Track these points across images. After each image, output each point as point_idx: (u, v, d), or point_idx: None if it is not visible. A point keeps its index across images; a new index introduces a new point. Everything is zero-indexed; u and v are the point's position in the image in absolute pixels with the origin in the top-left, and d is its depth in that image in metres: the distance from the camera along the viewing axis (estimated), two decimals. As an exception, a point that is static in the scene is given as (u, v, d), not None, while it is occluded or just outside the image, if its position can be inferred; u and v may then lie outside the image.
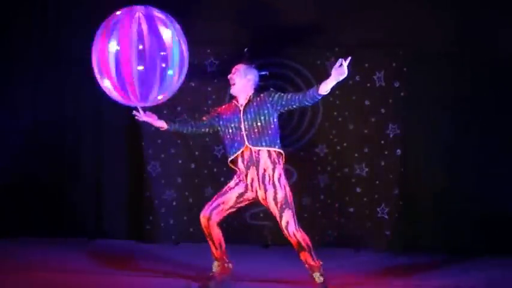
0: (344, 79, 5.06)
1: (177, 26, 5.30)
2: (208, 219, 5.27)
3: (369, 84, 6.90)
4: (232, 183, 5.35)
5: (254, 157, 5.23)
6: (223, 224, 6.89)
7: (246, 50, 5.50)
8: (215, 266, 5.41)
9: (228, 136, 5.34)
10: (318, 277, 5.22)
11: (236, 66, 5.42)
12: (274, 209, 5.22)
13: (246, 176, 5.27)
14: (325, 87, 5.09)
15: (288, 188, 5.26)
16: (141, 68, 4.96)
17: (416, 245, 6.87)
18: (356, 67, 6.88)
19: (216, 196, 5.36)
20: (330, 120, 6.99)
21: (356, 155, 6.95)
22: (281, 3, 7.00)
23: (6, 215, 7.11)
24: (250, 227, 6.91)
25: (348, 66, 5.00)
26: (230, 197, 5.31)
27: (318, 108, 6.97)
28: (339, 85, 6.86)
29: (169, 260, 6.18)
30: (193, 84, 7.02)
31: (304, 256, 5.24)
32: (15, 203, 7.17)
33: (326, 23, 6.94)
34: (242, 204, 5.38)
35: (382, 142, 6.89)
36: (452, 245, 6.81)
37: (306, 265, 5.26)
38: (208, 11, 7.01)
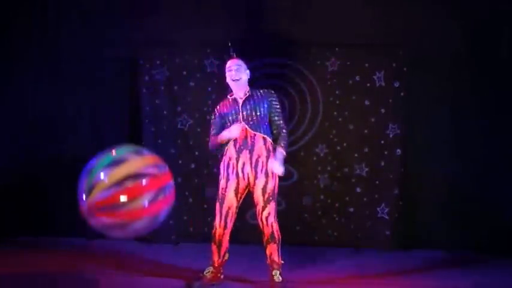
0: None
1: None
2: (225, 227, 5.31)
3: (368, 84, 6.91)
4: (223, 183, 5.33)
5: (249, 140, 5.26)
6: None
7: (230, 45, 5.51)
8: (208, 272, 5.37)
9: (226, 127, 5.37)
10: (277, 276, 5.21)
11: (236, 62, 5.41)
12: (259, 198, 5.24)
13: (238, 160, 5.29)
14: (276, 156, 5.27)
15: (277, 180, 5.29)
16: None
17: (416, 245, 6.87)
18: (356, 67, 6.92)
19: (218, 205, 5.31)
20: (330, 120, 6.99)
21: (356, 155, 6.95)
22: (281, 3, 7.00)
23: (6, 215, 7.11)
24: (250, 227, 6.91)
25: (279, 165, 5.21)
26: (230, 198, 5.30)
27: (318, 108, 6.98)
28: (339, 85, 6.98)
29: (169, 260, 6.18)
30: (193, 84, 7.02)
31: (271, 250, 5.24)
32: (15, 203, 7.17)
33: (326, 22, 6.94)
34: (241, 199, 5.39)
35: (382, 142, 6.90)
36: (452, 244, 6.82)
37: (268, 260, 5.25)
38: (208, 10, 7.01)
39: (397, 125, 6.88)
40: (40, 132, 7.21)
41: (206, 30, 6.97)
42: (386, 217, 6.89)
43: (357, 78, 6.92)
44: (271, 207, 5.23)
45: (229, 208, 5.30)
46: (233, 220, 5.34)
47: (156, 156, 4.58)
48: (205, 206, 6.89)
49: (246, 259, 5.96)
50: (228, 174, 5.33)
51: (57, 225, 7.19)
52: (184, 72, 7.05)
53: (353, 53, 6.95)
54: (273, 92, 5.42)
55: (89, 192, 4.25)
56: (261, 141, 5.26)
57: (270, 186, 5.23)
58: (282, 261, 5.28)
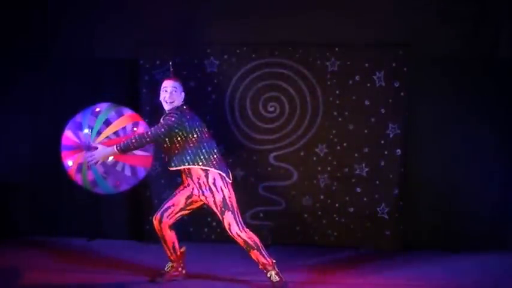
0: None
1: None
2: (160, 221, 5.37)
3: (368, 84, 6.90)
4: (182, 186, 5.44)
5: (186, 170, 5.30)
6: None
7: (170, 63, 5.49)
8: (168, 267, 5.51)
9: None
10: (273, 276, 5.23)
11: (173, 84, 5.33)
12: (216, 212, 5.30)
13: (189, 184, 5.37)
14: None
15: (226, 190, 5.26)
16: None
17: (416, 245, 6.88)
18: (356, 67, 6.92)
19: (168, 199, 5.47)
20: (330, 120, 6.98)
21: (356, 155, 6.95)
22: (282, 3, 7.00)
23: (6, 215, 7.11)
24: (250, 226, 6.90)
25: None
26: (179, 199, 5.39)
27: (318, 108, 6.98)
28: (339, 85, 6.98)
29: (169, 260, 6.17)
30: (193, 84, 7.02)
31: (255, 255, 5.27)
32: (15, 203, 7.17)
33: (326, 22, 6.94)
34: (193, 207, 5.46)
35: (382, 142, 6.89)
36: (452, 244, 6.82)
37: (260, 265, 5.28)
38: (209, 11, 7.00)
39: (397, 125, 6.87)
40: (40, 132, 7.21)
41: (206, 30, 6.97)
42: (386, 217, 6.88)
43: (357, 78, 6.92)
44: (229, 218, 5.24)
45: (173, 205, 5.38)
46: (172, 219, 5.38)
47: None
48: (204, 205, 6.88)
49: (244, 259, 5.96)
50: (188, 184, 5.38)
51: (58, 225, 7.20)
52: (184, 72, 7.05)
53: (353, 53, 6.94)
54: (167, 113, 5.27)
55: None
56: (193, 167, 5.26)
57: (218, 199, 5.24)
58: (274, 260, 5.28)
